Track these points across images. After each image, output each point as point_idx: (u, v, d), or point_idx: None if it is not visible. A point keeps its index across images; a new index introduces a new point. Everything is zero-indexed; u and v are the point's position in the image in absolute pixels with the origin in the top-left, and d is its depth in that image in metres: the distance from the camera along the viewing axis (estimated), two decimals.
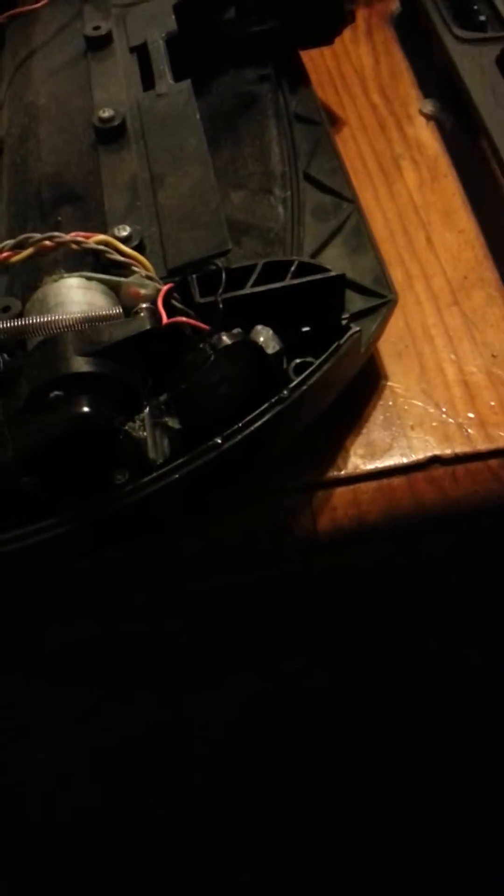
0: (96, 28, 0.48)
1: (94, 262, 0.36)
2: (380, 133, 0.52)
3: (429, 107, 0.53)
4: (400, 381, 0.41)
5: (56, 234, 0.34)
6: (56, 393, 0.30)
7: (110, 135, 0.41)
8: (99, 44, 0.47)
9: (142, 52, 0.46)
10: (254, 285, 0.34)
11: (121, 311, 0.32)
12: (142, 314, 0.31)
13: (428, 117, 0.52)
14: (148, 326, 0.31)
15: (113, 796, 0.59)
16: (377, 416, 0.40)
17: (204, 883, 0.66)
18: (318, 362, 0.34)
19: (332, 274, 0.34)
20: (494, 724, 0.55)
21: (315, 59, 0.56)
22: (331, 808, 0.63)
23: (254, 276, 0.34)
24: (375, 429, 0.39)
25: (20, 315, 0.34)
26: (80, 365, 0.30)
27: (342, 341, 0.34)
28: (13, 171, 0.44)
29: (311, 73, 0.52)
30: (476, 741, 0.57)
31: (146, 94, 0.43)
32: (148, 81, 0.44)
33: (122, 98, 0.44)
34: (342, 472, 0.38)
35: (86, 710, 0.49)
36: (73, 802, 0.58)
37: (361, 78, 0.55)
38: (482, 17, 0.53)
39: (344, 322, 0.35)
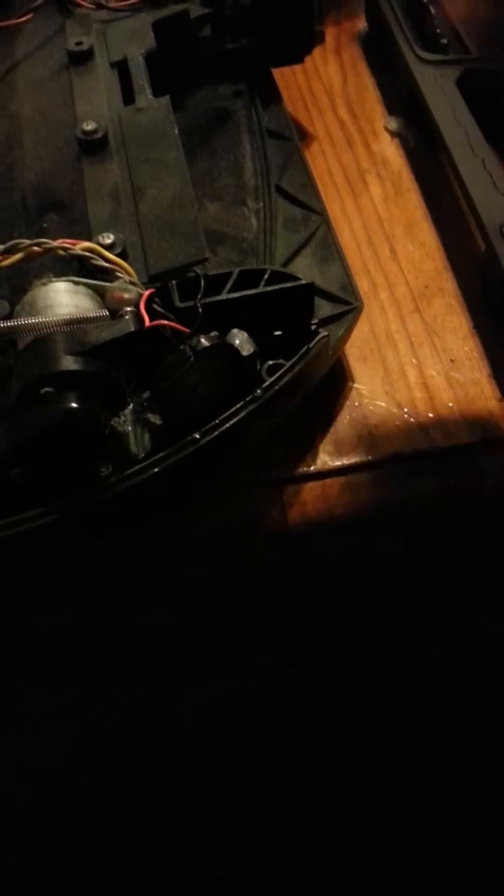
0: (79, 43, 0.50)
1: (79, 268, 0.38)
2: (347, 148, 0.54)
3: (393, 124, 0.55)
4: (365, 384, 0.43)
5: (44, 240, 0.36)
6: (46, 389, 0.32)
7: (93, 147, 0.43)
8: (81, 58, 0.49)
9: (122, 68, 0.48)
10: (230, 292, 0.36)
11: (107, 313, 0.34)
12: (126, 317, 0.33)
13: (392, 134, 0.55)
14: (132, 328, 0.33)
15: (88, 790, 0.59)
16: (344, 416, 0.42)
17: (174, 878, 0.68)
18: (289, 364, 0.36)
19: (303, 282, 0.37)
20: (455, 705, 0.57)
21: (286, 76, 0.58)
22: (309, 789, 0.65)
23: (230, 283, 0.36)
24: (342, 427, 0.41)
25: (9, 316, 0.36)
26: (70, 363, 0.32)
27: (311, 345, 0.37)
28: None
29: (283, 88, 0.54)
30: (438, 720, 0.59)
31: (127, 108, 0.45)
32: (128, 96, 0.46)
33: (103, 111, 0.46)
34: (311, 468, 0.40)
35: (61, 704, 0.51)
36: (47, 798, 0.60)
37: (330, 95, 0.58)
38: (444, 41, 0.56)
39: (313, 327, 0.38)
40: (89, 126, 0.43)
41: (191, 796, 0.62)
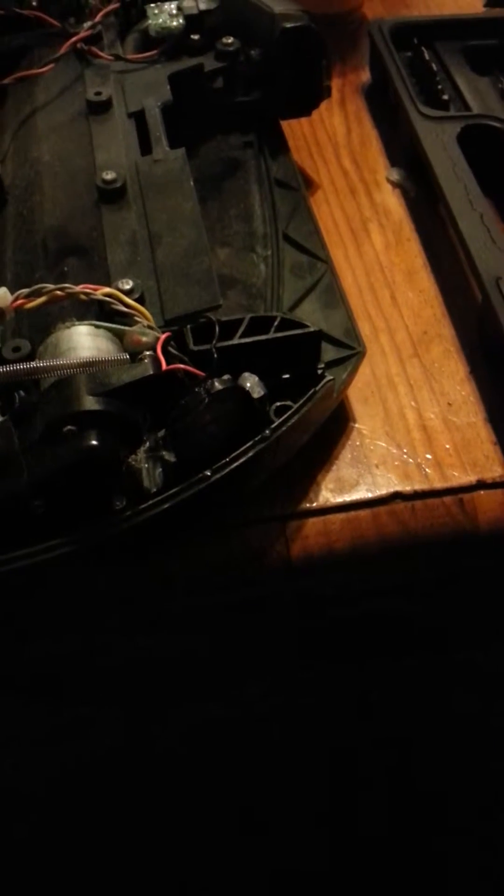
0: (98, 93, 0.52)
1: (98, 311, 0.40)
2: (350, 197, 0.56)
3: (395, 175, 0.58)
4: (366, 424, 0.45)
5: (68, 286, 0.38)
6: (69, 427, 0.34)
7: (112, 195, 0.46)
8: (100, 108, 0.52)
9: (139, 118, 0.51)
10: (241, 337, 0.38)
11: (127, 356, 0.36)
12: (145, 360, 0.35)
13: (394, 185, 0.57)
14: (151, 372, 0.35)
15: (74, 817, 0.60)
16: (346, 455, 0.44)
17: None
18: (296, 406, 0.38)
19: (311, 329, 0.39)
20: (445, 740, 0.58)
21: (293, 126, 0.60)
22: (297, 820, 0.66)
23: (241, 329, 0.38)
24: (344, 466, 0.43)
25: (31, 355, 0.38)
26: (91, 403, 0.34)
27: (318, 388, 0.39)
28: (20, 221, 0.47)
29: (290, 138, 0.56)
30: (428, 753, 0.60)
31: (144, 158, 0.48)
32: (145, 146, 0.49)
33: (121, 161, 0.48)
34: (314, 505, 0.42)
35: (56, 728, 0.51)
36: (33, 823, 0.60)
37: (334, 145, 0.60)
38: (446, 97, 0.59)
39: (320, 371, 0.40)
40: (109, 175, 0.46)
41: (175, 826, 0.63)
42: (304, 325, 0.39)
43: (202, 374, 0.36)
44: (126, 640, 0.45)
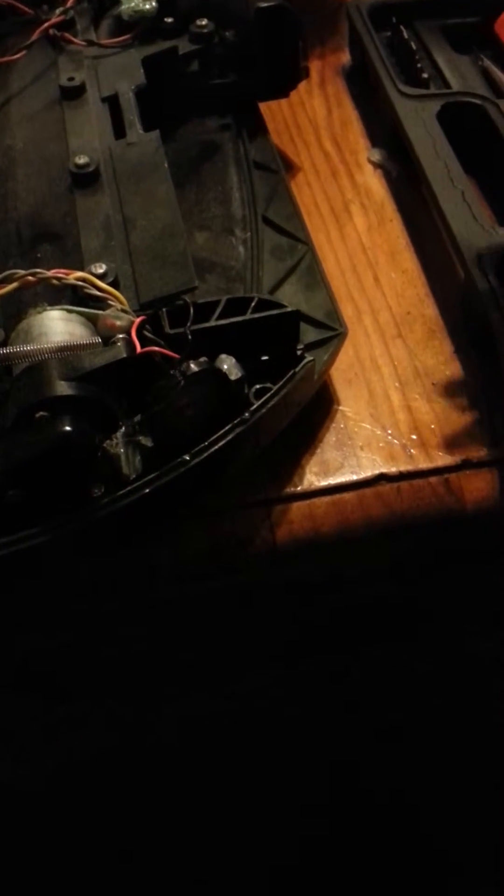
0: (70, 79, 0.51)
1: (72, 296, 0.39)
2: (332, 179, 0.56)
3: (376, 156, 0.57)
4: (350, 406, 0.44)
5: (39, 270, 0.37)
6: (41, 413, 0.33)
7: (85, 179, 0.45)
8: (73, 93, 0.51)
9: (113, 102, 0.50)
10: (218, 319, 0.38)
11: (100, 340, 0.35)
12: (118, 344, 0.35)
13: (375, 165, 0.57)
14: (124, 355, 0.34)
15: (69, 814, 0.59)
16: (330, 438, 0.43)
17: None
18: (275, 388, 0.37)
19: (289, 310, 0.38)
20: (443, 725, 0.58)
21: (272, 109, 0.59)
22: (297, 820, 0.66)
23: (218, 311, 0.38)
24: (328, 449, 0.43)
25: (3, 343, 0.38)
26: (64, 389, 0.33)
27: (297, 369, 0.38)
28: None
29: (269, 121, 0.56)
30: (426, 739, 0.60)
31: (118, 142, 0.47)
32: (119, 130, 0.48)
33: (95, 145, 0.47)
34: (298, 488, 0.42)
35: (51, 725, 0.51)
36: (27, 820, 0.59)
37: (315, 127, 0.60)
38: (425, 75, 0.58)
39: (299, 352, 0.39)
40: (82, 160, 0.45)
41: (174, 821, 0.63)
42: (281, 306, 0.38)
43: (178, 356, 0.35)
44: (115, 632, 0.44)
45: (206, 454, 0.36)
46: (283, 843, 0.67)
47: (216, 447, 0.36)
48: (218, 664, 0.49)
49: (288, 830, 0.66)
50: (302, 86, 0.57)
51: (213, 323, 0.37)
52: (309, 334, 0.42)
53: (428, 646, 0.51)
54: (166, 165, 0.45)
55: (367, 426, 0.44)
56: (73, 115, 0.50)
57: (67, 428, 0.33)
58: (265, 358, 0.39)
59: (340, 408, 0.44)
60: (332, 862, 0.69)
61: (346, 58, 0.64)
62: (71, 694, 0.49)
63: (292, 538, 0.41)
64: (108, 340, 0.36)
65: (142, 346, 0.35)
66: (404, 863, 0.69)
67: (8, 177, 0.48)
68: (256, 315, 0.38)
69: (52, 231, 0.44)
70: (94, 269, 0.39)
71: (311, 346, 0.41)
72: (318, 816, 0.66)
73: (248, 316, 0.38)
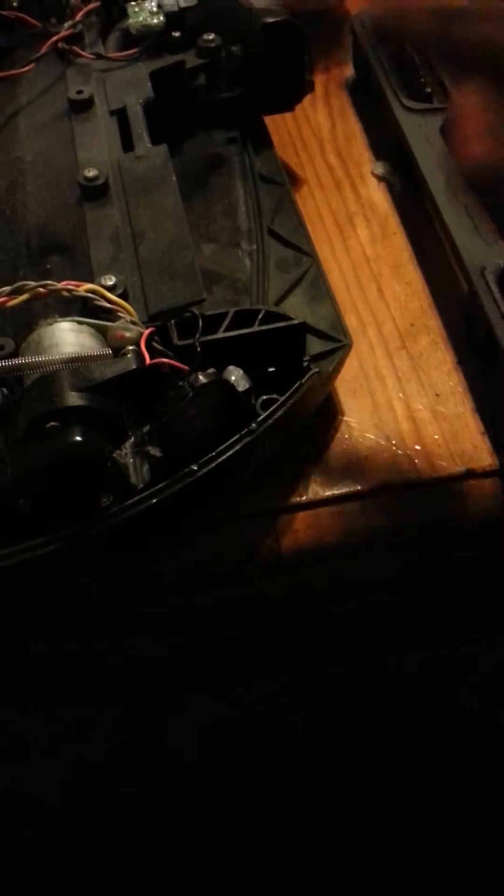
0: (79, 92, 0.52)
1: (82, 307, 0.39)
2: (336, 192, 0.56)
3: (380, 169, 0.57)
4: (355, 417, 0.45)
5: (50, 282, 0.38)
6: (52, 423, 0.34)
7: (95, 192, 0.45)
8: (81, 106, 0.51)
9: (121, 116, 0.51)
10: (225, 330, 0.38)
11: (110, 352, 0.36)
12: (128, 355, 0.35)
13: (379, 178, 0.57)
14: (134, 366, 0.35)
15: (76, 819, 0.60)
16: (335, 448, 0.43)
17: None
18: (282, 399, 0.38)
19: (295, 322, 0.39)
20: (446, 734, 0.58)
21: (277, 122, 0.60)
22: (297, 829, 0.66)
23: (225, 323, 0.38)
24: (333, 459, 0.43)
25: (14, 353, 0.38)
26: (75, 399, 0.34)
27: (303, 380, 0.39)
28: (2, 221, 0.47)
29: (274, 134, 0.56)
30: (430, 748, 0.60)
31: (126, 155, 0.48)
32: (127, 143, 0.49)
33: (104, 158, 0.48)
34: (303, 498, 0.42)
35: (54, 732, 0.51)
36: (38, 827, 0.60)
37: (319, 140, 0.60)
38: (428, 90, 0.58)
39: (305, 364, 0.40)
40: (91, 173, 0.45)
41: (182, 827, 0.63)
42: (288, 318, 0.39)
43: (186, 368, 0.36)
44: (120, 640, 0.45)
45: (213, 464, 0.36)
46: (287, 849, 0.67)
47: (223, 457, 0.36)
48: (223, 671, 0.50)
49: (291, 836, 0.66)
50: (307, 99, 0.57)
51: (220, 335, 0.38)
52: (314, 346, 0.42)
53: (431, 654, 0.52)
54: (174, 179, 0.45)
55: (372, 436, 0.44)
56: (82, 128, 0.51)
57: (78, 438, 0.34)
58: (272, 369, 0.39)
59: (345, 418, 0.45)
60: (336, 867, 0.69)
61: (350, 71, 0.65)
62: (77, 701, 0.49)
63: (297, 547, 0.41)
64: (117, 352, 0.36)
65: (151, 358, 0.36)
66: (406, 866, 0.69)
67: (17, 189, 0.49)
68: (264, 327, 0.38)
69: (61, 242, 0.44)
70: (103, 282, 0.40)
71: (316, 358, 0.42)
72: (321, 822, 0.66)
73: (256, 328, 0.38)
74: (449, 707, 0.57)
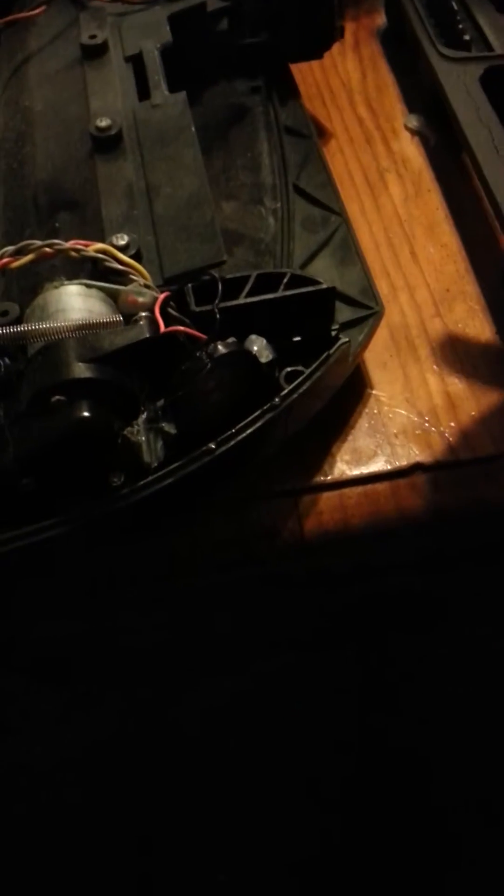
0: (92, 37, 0.48)
1: (92, 270, 0.36)
2: (366, 146, 0.53)
3: (414, 122, 0.54)
4: (385, 390, 0.42)
5: (56, 241, 0.35)
6: (58, 397, 0.31)
7: (107, 143, 0.42)
8: (94, 52, 0.48)
9: (137, 62, 0.47)
10: (248, 296, 0.35)
11: (121, 318, 0.33)
12: (141, 322, 0.32)
13: (413, 132, 0.54)
14: (147, 335, 0.32)
15: (92, 796, 0.59)
16: (363, 424, 0.41)
17: (180, 882, 0.67)
18: (308, 371, 0.35)
19: (324, 286, 0.35)
20: (464, 717, 0.56)
21: (304, 71, 0.57)
22: (310, 808, 0.64)
23: (247, 287, 0.35)
24: (361, 436, 0.40)
25: (18, 319, 0.35)
26: (82, 371, 0.31)
27: (332, 351, 0.36)
28: (10, 176, 0.44)
29: (300, 84, 0.53)
30: (447, 733, 0.58)
31: (142, 104, 0.44)
32: (143, 91, 0.45)
33: (117, 107, 0.44)
34: (328, 478, 0.39)
35: (66, 708, 0.50)
36: (46, 806, 0.59)
37: (348, 91, 0.57)
38: (467, 37, 0.54)
39: (333, 333, 0.36)
40: (103, 122, 0.42)
41: (192, 807, 0.62)
42: (316, 282, 0.35)
43: (204, 337, 0.33)
44: (131, 621, 0.43)
45: (233, 442, 0.33)
46: (300, 833, 0.66)
47: (244, 435, 0.33)
48: (238, 651, 0.48)
49: (304, 819, 0.65)
50: (335, 48, 0.54)
51: (242, 300, 0.35)
52: (343, 313, 0.39)
53: (452, 637, 0.50)
54: (193, 129, 0.42)
55: (403, 412, 0.41)
56: (95, 75, 0.47)
57: (85, 413, 0.31)
58: (297, 339, 0.36)
59: (374, 392, 0.42)
60: (347, 852, 0.68)
61: (381, 20, 0.61)
62: (85, 679, 0.48)
63: (321, 529, 0.39)
64: (129, 318, 0.33)
65: (165, 325, 0.33)
66: (416, 843, 0.68)
67: (26, 141, 0.46)
68: (289, 292, 0.35)
69: (71, 199, 0.41)
70: (115, 241, 0.37)
71: (345, 326, 0.39)
72: (332, 809, 0.65)
73: (281, 293, 0.35)
74: (466, 689, 0.54)
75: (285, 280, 0.35)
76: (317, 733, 0.57)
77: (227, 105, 0.50)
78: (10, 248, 0.35)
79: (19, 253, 0.35)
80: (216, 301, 0.34)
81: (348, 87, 0.57)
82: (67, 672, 0.47)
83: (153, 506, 0.34)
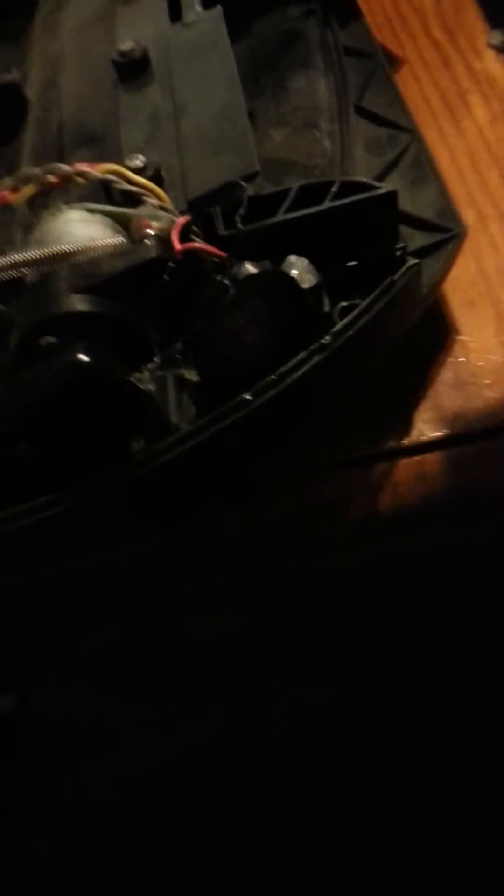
0: None
1: (107, 200, 0.31)
2: (443, 70, 0.46)
3: (498, 37, 0.47)
4: (473, 334, 0.35)
5: (56, 164, 0.29)
6: (48, 338, 0.25)
7: (131, 69, 0.37)
8: None
9: None
10: (287, 212, 0.28)
11: (122, 239, 0.27)
12: (147, 241, 0.26)
13: (498, 49, 0.47)
14: (153, 255, 0.26)
15: (173, 807, 0.54)
16: (446, 375, 0.34)
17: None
18: (366, 302, 0.28)
19: (382, 190, 0.28)
20: None
21: (370, 2, 0.50)
22: (392, 814, 0.58)
23: (287, 202, 0.29)
24: (444, 390, 0.34)
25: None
26: (74, 303, 0.25)
27: (397, 276, 0.29)
28: (39, 126, 0.40)
29: (366, 15, 0.46)
30: None
31: (173, 26, 0.39)
32: (176, 14, 0.40)
33: (147, 34, 0.39)
34: (405, 442, 0.33)
35: (159, 718, 0.46)
36: (134, 813, 0.54)
37: (422, 16, 0.50)
38: None
39: (399, 253, 0.29)
40: (125, 46, 0.37)
41: (275, 806, 0.56)
42: (372, 187, 0.28)
43: (225, 255, 0.26)
44: (177, 617, 0.38)
45: (273, 391, 0.27)
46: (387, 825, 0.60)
47: (287, 382, 0.27)
48: (310, 653, 0.42)
49: (390, 813, 0.59)
50: None
51: (280, 217, 0.28)
52: (416, 239, 0.33)
53: None
54: (227, 43, 0.37)
55: (496, 359, 0.34)
56: (125, 10, 0.42)
57: (81, 356, 0.25)
58: (353, 264, 0.29)
59: (460, 337, 0.35)
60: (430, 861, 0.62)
61: None
62: (155, 686, 0.43)
63: (398, 506, 0.33)
64: None
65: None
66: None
67: (51, 86, 0.41)
68: (338, 202, 0.28)
69: (92, 134, 0.37)
70: (129, 162, 0.31)
71: (418, 254, 0.32)
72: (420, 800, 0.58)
73: (328, 204, 0.28)
74: None
75: (334, 189, 0.29)
76: (401, 740, 0.51)
77: (279, 32, 0.44)
78: (8, 180, 0.30)
79: (18, 184, 0.30)
80: (240, 210, 0.27)
81: (421, 11, 0.50)
82: (131, 677, 0.42)
83: (181, 474, 0.27)
